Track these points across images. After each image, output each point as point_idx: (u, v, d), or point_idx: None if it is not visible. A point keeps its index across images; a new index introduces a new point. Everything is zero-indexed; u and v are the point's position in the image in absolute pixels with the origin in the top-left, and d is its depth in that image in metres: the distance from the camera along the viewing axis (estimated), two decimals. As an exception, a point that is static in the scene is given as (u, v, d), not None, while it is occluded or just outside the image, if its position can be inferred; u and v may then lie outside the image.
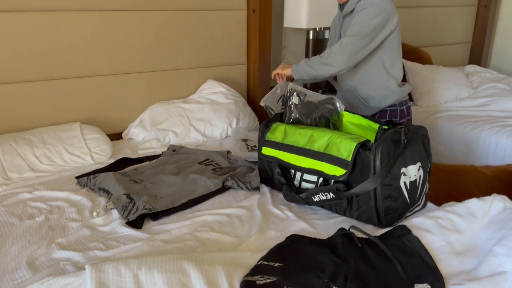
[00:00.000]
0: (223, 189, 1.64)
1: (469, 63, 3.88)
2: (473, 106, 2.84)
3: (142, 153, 2.04)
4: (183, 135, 2.14)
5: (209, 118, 2.22)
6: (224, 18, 2.44)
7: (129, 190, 1.55)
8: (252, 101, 2.63)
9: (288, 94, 1.68)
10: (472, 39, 3.82)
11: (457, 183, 2.27)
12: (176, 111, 2.21)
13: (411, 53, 3.13)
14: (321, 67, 1.76)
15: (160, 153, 2.01)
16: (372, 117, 1.66)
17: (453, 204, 1.38)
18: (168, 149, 2.02)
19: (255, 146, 2.08)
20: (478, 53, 3.81)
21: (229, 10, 2.45)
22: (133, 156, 2.00)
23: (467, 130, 2.51)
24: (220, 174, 1.73)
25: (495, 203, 1.31)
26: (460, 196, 2.19)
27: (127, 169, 1.82)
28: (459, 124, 2.57)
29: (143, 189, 1.59)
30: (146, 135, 2.19)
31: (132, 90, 2.25)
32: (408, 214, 1.45)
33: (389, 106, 1.92)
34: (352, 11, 1.80)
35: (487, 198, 1.33)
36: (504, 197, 1.35)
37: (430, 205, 1.53)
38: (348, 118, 1.72)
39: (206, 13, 2.38)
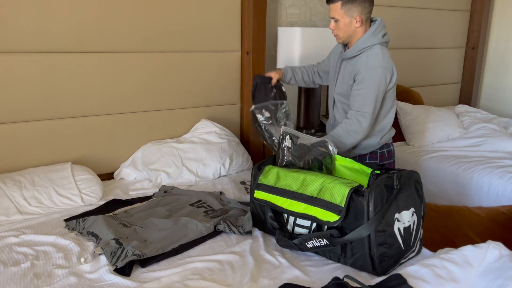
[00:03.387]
0: (215, 233, 1.61)
1: (459, 103, 3.95)
2: (465, 146, 2.86)
3: (133, 194, 2.01)
4: (175, 175, 2.12)
5: (202, 158, 2.22)
6: (218, 60, 2.48)
7: (119, 235, 1.52)
8: (246, 141, 2.63)
9: (281, 137, 1.68)
10: (462, 79, 3.91)
11: (451, 224, 2.26)
12: (169, 151, 2.21)
13: (403, 93, 3.18)
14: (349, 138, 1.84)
15: (152, 194, 1.98)
16: (364, 161, 1.66)
17: (448, 251, 1.36)
18: (159, 190, 2.00)
19: None
20: (467, 93, 3.89)
21: (223, 52, 2.49)
22: (124, 197, 1.97)
23: (460, 171, 2.52)
24: (212, 216, 1.70)
25: (491, 250, 1.29)
26: (454, 237, 2.17)
27: (117, 211, 1.79)
28: (452, 165, 2.58)
29: (132, 233, 1.56)
30: (138, 175, 2.17)
31: (125, 129, 2.25)
32: (403, 260, 1.43)
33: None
34: (353, 57, 1.84)
35: (483, 245, 1.32)
36: (500, 244, 1.33)
37: (425, 251, 1.51)
38: (341, 162, 1.72)
39: (201, 55, 2.42)
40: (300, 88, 2.73)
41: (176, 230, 1.59)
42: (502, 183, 2.37)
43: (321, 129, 2.89)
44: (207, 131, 2.37)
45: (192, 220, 1.63)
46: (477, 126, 3.15)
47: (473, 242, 2.10)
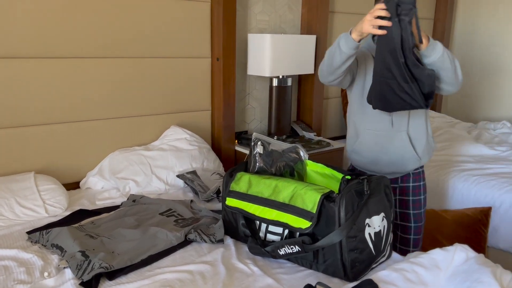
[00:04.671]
0: (186, 242, 1.58)
1: (425, 108, 4.06)
2: (430, 150, 2.94)
3: (100, 203, 1.95)
4: (144, 184, 2.08)
5: (172, 165, 2.18)
6: (188, 66, 2.46)
7: (85, 247, 1.46)
8: (217, 147, 2.61)
9: (253, 144, 1.68)
10: (427, 85, 4.02)
11: (419, 227, 2.29)
12: (137, 159, 2.16)
13: (371, 99, 3.23)
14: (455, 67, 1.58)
15: (120, 203, 1.93)
16: (334, 166, 1.67)
17: (417, 255, 1.38)
18: (128, 199, 1.94)
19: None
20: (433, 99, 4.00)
21: (193, 58, 2.47)
22: (91, 207, 1.91)
23: (426, 175, 2.58)
24: (183, 226, 1.67)
25: (458, 253, 1.32)
26: (423, 240, 2.21)
27: (83, 222, 1.73)
28: (418, 169, 2.64)
29: (99, 245, 1.50)
30: (105, 184, 2.11)
31: (91, 137, 2.18)
32: (374, 265, 1.44)
33: (421, 166, 1.85)
34: None
35: (450, 248, 1.34)
36: (466, 247, 1.36)
37: (395, 255, 1.53)
38: (312, 167, 1.73)
39: (171, 61, 2.39)
40: (271, 94, 2.74)
41: (145, 241, 1.55)
42: (466, 186, 2.45)
43: (292, 135, 2.91)
44: (177, 138, 2.33)
45: (162, 229, 1.59)
46: (442, 130, 3.25)
47: (441, 245, 2.16)
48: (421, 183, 1.85)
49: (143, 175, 2.10)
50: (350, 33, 1.53)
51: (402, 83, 1.51)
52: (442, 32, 3.84)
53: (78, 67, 2.09)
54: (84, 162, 2.18)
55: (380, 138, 1.76)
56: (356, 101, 1.80)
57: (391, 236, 1.50)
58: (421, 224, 1.87)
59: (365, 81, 1.74)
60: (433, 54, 1.51)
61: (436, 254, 1.35)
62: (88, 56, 2.11)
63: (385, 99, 1.58)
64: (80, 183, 2.16)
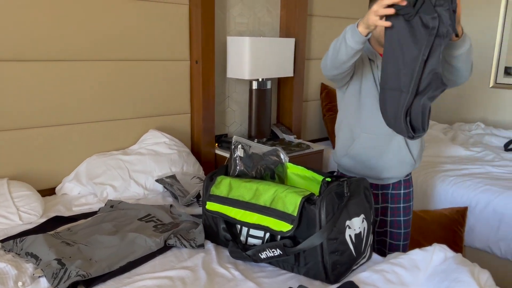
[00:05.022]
0: (165, 248, 1.55)
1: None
2: (408, 152, 2.98)
3: (77, 210, 1.90)
4: (122, 189, 2.04)
5: (151, 170, 2.14)
6: (167, 69, 2.43)
7: (61, 255, 1.42)
8: (197, 151, 2.58)
9: (233, 147, 1.66)
10: (404, 88, 4.08)
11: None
12: (115, 163, 2.12)
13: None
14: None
15: (97, 209, 1.89)
16: (315, 168, 1.68)
17: (397, 256, 1.39)
18: (105, 204, 1.90)
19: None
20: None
21: (172, 60, 2.44)
22: (67, 213, 1.86)
23: (405, 176, 2.62)
24: (162, 231, 1.64)
25: (436, 253, 1.34)
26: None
27: (59, 229, 1.68)
28: (397, 170, 2.67)
29: (76, 252, 1.47)
30: (82, 190, 2.06)
31: (67, 142, 2.13)
32: (355, 267, 1.44)
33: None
34: None
35: (429, 248, 1.36)
36: (444, 247, 1.38)
37: (375, 256, 1.54)
38: (293, 170, 1.73)
39: (149, 64, 2.36)
40: (251, 97, 2.74)
41: (123, 247, 1.51)
42: (443, 187, 2.49)
43: (272, 138, 2.91)
44: (156, 141, 2.30)
45: (141, 235, 1.56)
46: (419, 132, 3.30)
47: (420, 245, 2.18)
48: (411, 189, 1.86)
49: (121, 180, 2.06)
50: (357, 26, 1.40)
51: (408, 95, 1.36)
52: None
53: (52, 70, 2.04)
54: (60, 167, 2.13)
55: (378, 141, 1.72)
56: (352, 104, 1.73)
57: (371, 237, 1.51)
58: (409, 230, 1.88)
59: (362, 83, 1.68)
60: (464, 45, 1.39)
61: (415, 254, 1.36)
62: (63, 59, 2.06)
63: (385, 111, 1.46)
64: (56, 189, 2.11)
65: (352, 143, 1.77)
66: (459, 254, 1.36)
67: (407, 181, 1.85)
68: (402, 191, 1.84)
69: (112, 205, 1.89)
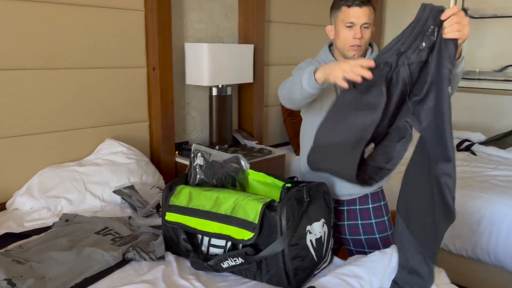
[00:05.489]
0: (124, 262, 1.50)
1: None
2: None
3: (29, 225, 1.81)
4: (77, 202, 1.96)
5: (108, 181, 2.08)
6: (123, 76, 2.37)
7: (11, 274, 1.35)
8: (156, 160, 2.53)
9: (192, 155, 1.64)
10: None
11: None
12: (70, 175, 2.04)
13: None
14: None
15: (51, 224, 1.81)
16: (275, 174, 1.68)
17: (357, 259, 1.42)
18: (60, 219, 1.83)
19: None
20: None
21: (128, 68, 2.39)
22: (19, 230, 1.77)
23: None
24: (120, 244, 1.59)
25: (395, 255, 1.37)
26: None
27: (10, 247, 1.59)
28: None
29: (28, 271, 1.39)
30: (35, 204, 1.97)
31: (18, 154, 2.03)
32: (316, 272, 1.45)
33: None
34: None
35: (388, 250, 1.39)
36: (401, 248, 1.41)
37: (336, 259, 1.55)
38: (254, 176, 1.72)
39: (104, 71, 2.29)
40: (211, 103, 2.72)
41: (79, 263, 1.46)
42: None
43: (234, 144, 2.90)
44: (113, 151, 2.23)
45: (97, 250, 1.50)
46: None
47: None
48: (382, 203, 1.72)
49: (77, 193, 1.98)
50: (315, 71, 1.32)
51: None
52: (373, 39, 4.02)
53: (2, 79, 1.94)
54: (11, 181, 2.02)
55: None
56: (318, 116, 1.56)
57: (331, 241, 1.53)
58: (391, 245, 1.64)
59: (322, 99, 1.58)
60: (460, 64, 1.31)
61: (375, 256, 1.38)
62: (12, 68, 1.97)
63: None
64: (7, 204, 2.01)
65: None
66: (416, 255, 1.40)
67: (376, 194, 1.72)
68: (370, 206, 1.71)
69: (67, 219, 1.82)
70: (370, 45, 1.64)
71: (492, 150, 3.10)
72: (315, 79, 1.32)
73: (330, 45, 1.68)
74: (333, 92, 1.60)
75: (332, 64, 1.28)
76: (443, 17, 1.19)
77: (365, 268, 1.33)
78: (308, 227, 1.41)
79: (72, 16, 2.13)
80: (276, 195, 1.64)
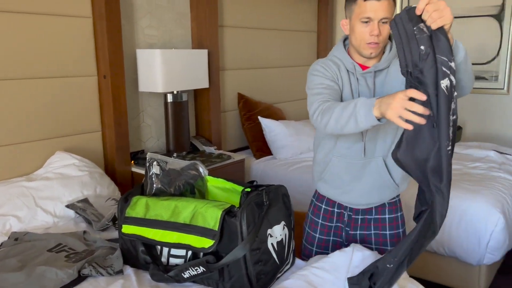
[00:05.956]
0: (80, 278, 1.43)
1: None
2: (324, 155, 3.10)
3: (-26, 247, 1.69)
4: (27, 219, 1.86)
5: (60, 195, 1.98)
6: (72, 85, 2.28)
7: (-46, 301, 1.25)
8: (111, 170, 2.45)
9: (148, 164, 1.60)
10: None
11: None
12: (18, 191, 1.93)
13: (266, 110, 3.33)
14: None
15: (-1, 244, 1.70)
16: (234, 180, 1.66)
17: (318, 259, 1.43)
18: (9, 238, 1.72)
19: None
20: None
21: (78, 76, 2.30)
22: (-38, 253, 1.65)
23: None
24: (75, 260, 1.52)
25: (355, 253, 1.39)
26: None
27: (-48, 272, 1.48)
28: (315, 174, 2.76)
29: (-27, 297, 1.30)
30: (-20, 224, 1.85)
31: (-41, 172, 1.90)
32: (279, 275, 1.45)
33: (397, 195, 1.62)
34: (386, 68, 1.47)
35: (348, 249, 1.41)
36: (361, 246, 1.44)
37: (298, 261, 1.56)
38: (212, 182, 1.70)
39: (52, 81, 2.19)
40: (166, 110, 2.66)
41: (31, 283, 1.38)
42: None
43: (192, 151, 2.86)
44: (64, 164, 2.14)
45: (50, 268, 1.43)
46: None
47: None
48: (399, 214, 1.62)
49: (26, 209, 1.88)
50: (373, 107, 1.16)
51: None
52: (326, 43, 4.12)
53: None
54: (-49, 201, 1.89)
55: (352, 166, 1.53)
56: None
57: (293, 243, 1.53)
58: None
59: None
60: (458, 52, 1.19)
61: (336, 256, 1.40)
62: None
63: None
64: None
65: (326, 167, 1.59)
66: (375, 252, 1.43)
67: (394, 204, 1.61)
68: (387, 216, 1.61)
69: (16, 238, 1.71)
70: (390, 39, 1.48)
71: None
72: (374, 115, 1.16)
73: (345, 39, 1.54)
74: (349, 91, 1.49)
75: (386, 98, 1.14)
76: (418, 12, 1.09)
77: (326, 268, 1.35)
78: (269, 231, 1.40)
79: (16, 24, 2.02)
80: (236, 201, 1.63)
